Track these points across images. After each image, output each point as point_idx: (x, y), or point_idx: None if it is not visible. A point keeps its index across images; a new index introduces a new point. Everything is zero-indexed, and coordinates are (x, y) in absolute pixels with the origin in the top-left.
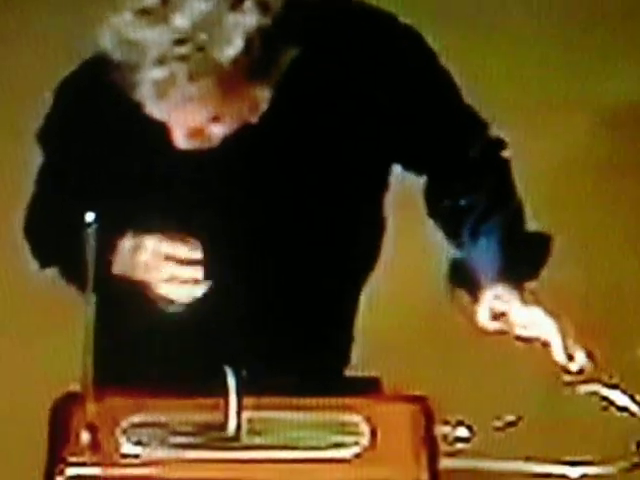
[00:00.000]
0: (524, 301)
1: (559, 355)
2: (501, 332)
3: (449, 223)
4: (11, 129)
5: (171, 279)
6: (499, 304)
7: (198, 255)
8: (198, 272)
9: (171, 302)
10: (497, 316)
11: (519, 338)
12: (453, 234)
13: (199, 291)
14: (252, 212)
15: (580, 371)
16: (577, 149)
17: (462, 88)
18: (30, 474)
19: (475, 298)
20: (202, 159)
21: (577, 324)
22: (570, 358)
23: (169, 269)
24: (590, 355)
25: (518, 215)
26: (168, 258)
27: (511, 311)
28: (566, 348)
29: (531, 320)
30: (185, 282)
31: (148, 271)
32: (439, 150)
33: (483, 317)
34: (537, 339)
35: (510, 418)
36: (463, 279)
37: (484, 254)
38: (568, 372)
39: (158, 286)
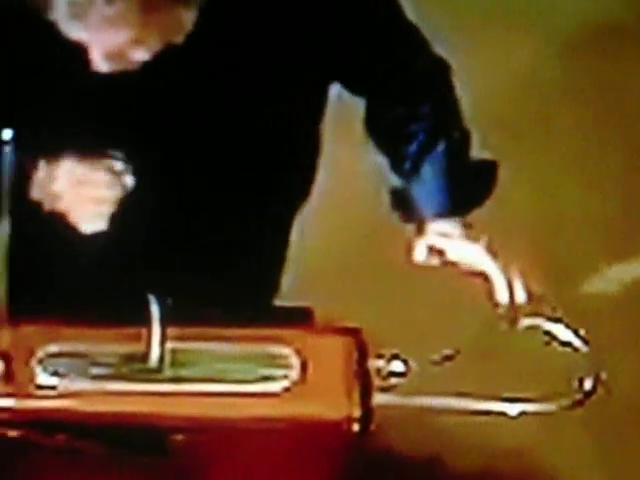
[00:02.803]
0: (467, 236)
1: (501, 295)
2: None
3: (392, 150)
4: None
5: (86, 202)
6: (439, 240)
7: (118, 169)
8: (114, 192)
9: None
10: (434, 252)
11: (460, 271)
12: (396, 162)
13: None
14: (177, 137)
15: (520, 308)
16: (523, 71)
17: (404, 6)
18: None
19: (418, 231)
20: (123, 81)
21: (521, 256)
22: (512, 297)
23: (83, 193)
24: (531, 293)
25: (464, 142)
26: (82, 182)
27: (449, 248)
28: (508, 287)
29: (470, 258)
30: (100, 203)
31: (63, 199)
32: (379, 68)
33: (420, 254)
34: (479, 274)
35: (447, 352)
36: (407, 210)
37: (427, 184)
38: (509, 311)
39: (74, 213)
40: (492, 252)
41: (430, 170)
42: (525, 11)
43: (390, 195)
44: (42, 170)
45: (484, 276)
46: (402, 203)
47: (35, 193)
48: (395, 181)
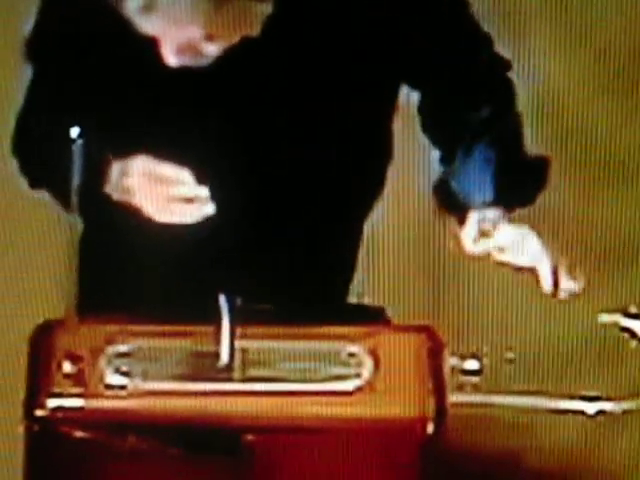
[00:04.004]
0: (512, 221)
1: (546, 282)
2: (486, 255)
3: (443, 140)
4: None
5: (170, 200)
6: (485, 224)
7: (187, 176)
8: (200, 190)
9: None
10: (483, 235)
11: (504, 264)
12: (446, 152)
13: (203, 212)
14: (251, 133)
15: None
16: (583, 74)
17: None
18: (9, 406)
19: (462, 220)
20: (196, 75)
21: (582, 251)
22: (556, 283)
23: (165, 191)
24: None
25: (517, 137)
26: (159, 180)
27: (498, 231)
28: (553, 271)
29: (518, 241)
30: (186, 201)
31: (137, 194)
32: (443, 66)
33: (468, 238)
34: (522, 266)
35: (523, 350)
36: (450, 200)
37: (475, 175)
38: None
39: (156, 211)
40: (538, 235)
41: (479, 160)
42: (585, 14)
43: (434, 187)
44: (115, 165)
45: (528, 267)
46: (446, 195)
47: (108, 189)
48: (441, 173)
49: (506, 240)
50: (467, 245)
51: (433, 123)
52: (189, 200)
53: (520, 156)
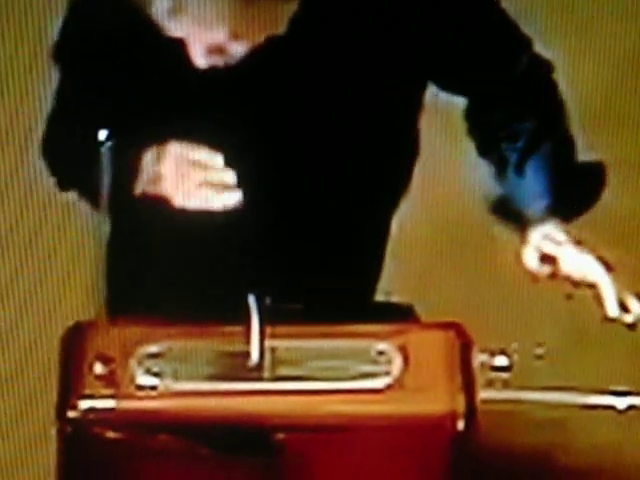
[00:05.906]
0: (576, 243)
1: (612, 308)
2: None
3: (494, 155)
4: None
5: (201, 185)
6: (548, 246)
7: (221, 162)
8: (229, 177)
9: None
10: (546, 259)
11: (569, 281)
12: (498, 167)
13: (233, 198)
14: (278, 131)
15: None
16: (628, 65)
17: (506, 5)
18: (41, 408)
19: (522, 236)
20: (223, 75)
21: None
22: (624, 309)
23: (197, 175)
24: None
25: (569, 143)
26: (193, 164)
27: (561, 256)
28: (620, 300)
29: (583, 268)
30: (217, 187)
31: (173, 181)
32: (477, 68)
33: (531, 260)
34: (589, 285)
35: (552, 346)
36: (509, 217)
37: (532, 188)
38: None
39: (187, 196)
40: (603, 262)
41: (534, 173)
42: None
43: (492, 204)
44: (147, 154)
45: (593, 287)
46: (506, 210)
47: (138, 188)
48: (497, 189)
49: (571, 268)
50: (530, 265)
51: (476, 129)
52: (219, 186)
53: (574, 164)
